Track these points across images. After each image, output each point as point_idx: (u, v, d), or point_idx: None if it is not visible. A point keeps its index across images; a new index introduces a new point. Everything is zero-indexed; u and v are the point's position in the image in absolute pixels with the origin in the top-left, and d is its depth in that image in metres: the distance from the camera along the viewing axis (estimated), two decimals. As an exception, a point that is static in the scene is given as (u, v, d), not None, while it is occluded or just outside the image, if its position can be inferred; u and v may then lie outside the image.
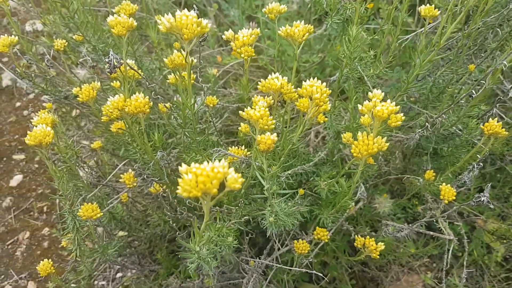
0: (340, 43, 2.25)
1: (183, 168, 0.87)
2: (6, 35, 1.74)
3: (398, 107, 1.05)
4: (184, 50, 1.11)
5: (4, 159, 2.83)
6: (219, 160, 0.86)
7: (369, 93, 1.12)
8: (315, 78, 1.15)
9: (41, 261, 2.19)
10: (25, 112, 3.10)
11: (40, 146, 1.18)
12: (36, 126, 1.25)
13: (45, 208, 2.59)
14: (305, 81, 1.17)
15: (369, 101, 1.09)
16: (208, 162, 0.85)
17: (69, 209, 1.39)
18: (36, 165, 2.80)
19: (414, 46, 2.29)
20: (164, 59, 1.36)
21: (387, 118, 1.06)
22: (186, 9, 1.08)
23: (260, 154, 1.18)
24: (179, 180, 0.84)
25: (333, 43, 2.27)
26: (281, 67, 2.42)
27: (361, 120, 1.10)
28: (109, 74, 1.25)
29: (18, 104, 3.16)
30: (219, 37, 2.80)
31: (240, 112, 1.24)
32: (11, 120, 3.05)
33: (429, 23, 1.42)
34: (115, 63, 1.22)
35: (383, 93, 1.11)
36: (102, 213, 1.39)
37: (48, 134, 1.19)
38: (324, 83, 1.12)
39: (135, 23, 1.22)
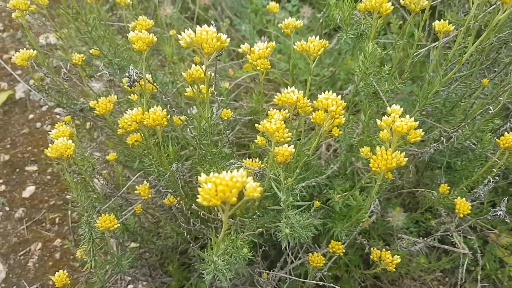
0: (351, 57, 2.27)
1: (202, 177, 0.89)
2: (24, 48, 1.79)
3: (417, 122, 1.06)
4: (203, 64, 1.13)
5: (17, 170, 2.86)
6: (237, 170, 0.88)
7: (388, 108, 1.14)
8: (330, 92, 1.17)
9: (56, 272, 2.20)
10: (38, 124, 3.14)
11: (61, 158, 1.20)
12: (56, 139, 1.27)
13: (57, 220, 2.61)
14: (320, 94, 1.19)
15: (387, 116, 1.11)
16: (227, 171, 0.87)
17: (86, 220, 1.40)
18: (49, 177, 2.83)
19: (425, 61, 2.32)
20: (183, 73, 1.39)
21: (406, 133, 1.08)
22: (206, 25, 1.11)
23: (277, 166, 1.19)
24: (199, 189, 0.86)
25: (344, 57, 2.30)
26: (293, 80, 2.44)
27: (380, 135, 1.11)
28: (128, 88, 1.27)
29: (31, 116, 3.21)
30: (231, 51, 2.84)
31: (256, 125, 1.26)
32: (24, 132, 3.09)
33: (442, 38, 1.44)
34: (135, 77, 1.24)
35: (402, 109, 1.12)
36: (119, 224, 1.41)
37: (69, 147, 1.21)
38: (340, 96, 1.14)
39: (155, 39, 1.25)
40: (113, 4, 3.38)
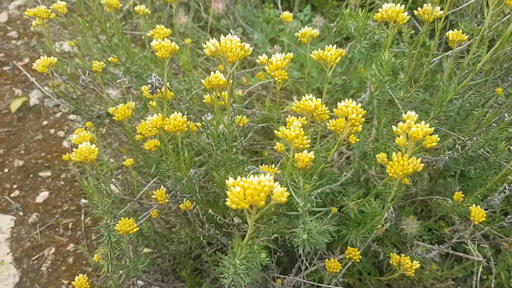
0: (363, 66, 2.30)
1: (230, 181, 0.91)
2: (45, 55, 1.83)
3: (433, 128, 1.08)
4: (226, 72, 1.16)
5: (31, 176, 2.90)
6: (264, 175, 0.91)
7: (403, 115, 1.16)
8: (350, 99, 1.20)
9: (69, 277, 2.22)
10: (52, 131, 3.19)
11: (84, 162, 1.23)
12: (78, 144, 1.30)
13: (70, 225, 2.64)
14: (338, 102, 1.22)
15: (403, 122, 1.13)
16: (241, 177, 0.89)
17: (105, 223, 1.43)
18: (62, 182, 2.86)
19: (437, 69, 2.34)
20: (202, 80, 1.42)
21: (422, 139, 1.09)
22: (229, 34, 1.14)
23: (296, 172, 1.21)
24: (227, 192, 0.89)
25: (356, 65, 2.32)
26: (306, 88, 2.47)
27: (396, 141, 1.13)
28: (150, 94, 1.30)
29: (45, 122, 3.25)
30: (243, 60, 2.88)
31: (275, 131, 1.29)
32: (38, 138, 3.14)
33: (456, 47, 1.46)
34: (157, 84, 1.28)
35: (417, 115, 1.14)
36: (138, 228, 1.43)
37: (93, 152, 1.24)
38: (360, 104, 1.17)
39: (177, 47, 1.28)
40: (127, 13, 3.45)
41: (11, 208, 2.69)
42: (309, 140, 1.24)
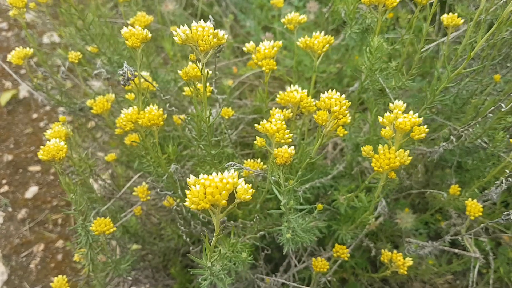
0: (358, 54, 2.20)
1: (191, 179, 0.85)
2: (26, 47, 1.74)
3: (421, 118, 1.00)
4: (199, 61, 1.08)
5: (20, 170, 2.84)
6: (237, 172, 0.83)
7: (390, 104, 1.07)
8: (334, 90, 1.11)
9: (56, 276, 2.16)
10: (42, 124, 3.12)
11: (53, 161, 1.16)
12: (49, 140, 1.22)
13: (59, 221, 2.58)
14: (323, 92, 1.13)
15: (390, 113, 1.04)
16: (217, 173, 0.82)
17: (82, 224, 1.36)
18: (52, 177, 2.80)
19: (435, 56, 2.24)
20: (179, 71, 1.34)
21: (409, 130, 1.01)
22: (202, 20, 1.05)
23: (276, 168, 1.14)
24: (187, 192, 0.82)
25: (351, 53, 2.22)
26: (298, 77, 2.38)
27: (382, 132, 1.05)
28: (123, 86, 1.22)
29: (34, 115, 3.18)
30: (235, 48, 2.78)
31: (255, 125, 1.21)
32: (28, 132, 3.07)
33: (451, 32, 1.36)
34: (129, 75, 1.19)
35: (405, 104, 1.06)
36: (115, 228, 1.36)
37: (61, 149, 1.16)
38: (344, 95, 1.08)
39: (150, 35, 1.20)
40: (117, 2, 3.35)
41: (0, 204, 2.64)
42: (292, 135, 1.16)
